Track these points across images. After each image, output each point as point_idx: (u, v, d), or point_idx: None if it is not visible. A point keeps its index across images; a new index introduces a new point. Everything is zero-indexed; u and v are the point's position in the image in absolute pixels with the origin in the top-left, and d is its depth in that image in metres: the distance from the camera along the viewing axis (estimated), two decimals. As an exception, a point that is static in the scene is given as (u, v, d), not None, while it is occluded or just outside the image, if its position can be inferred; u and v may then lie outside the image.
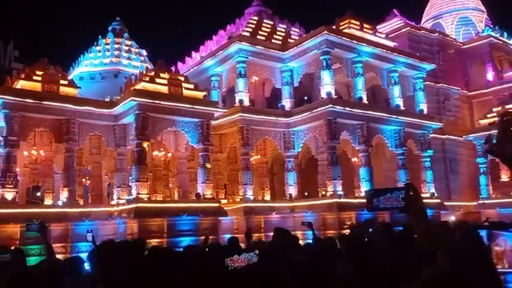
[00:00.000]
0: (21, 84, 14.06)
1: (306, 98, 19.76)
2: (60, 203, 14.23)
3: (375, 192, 2.30)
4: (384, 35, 20.83)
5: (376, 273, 2.42)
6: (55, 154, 15.63)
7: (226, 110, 17.10)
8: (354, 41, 18.06)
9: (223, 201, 16.82)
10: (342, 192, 16.35)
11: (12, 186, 13.17)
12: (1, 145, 13.56)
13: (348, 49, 17.99)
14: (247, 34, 18.73)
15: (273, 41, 19.14)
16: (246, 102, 17.50)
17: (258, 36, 19.01)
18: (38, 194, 14.10)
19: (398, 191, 2.21)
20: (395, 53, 19.56)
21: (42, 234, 5.04)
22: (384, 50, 19.09)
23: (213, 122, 16.11)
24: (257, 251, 3.93)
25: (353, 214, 16.00)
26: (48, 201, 14.61)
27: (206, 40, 20.78)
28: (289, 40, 19.52)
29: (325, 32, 17.16)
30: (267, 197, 18.06)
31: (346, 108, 17.24)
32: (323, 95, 17.17)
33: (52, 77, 14.55)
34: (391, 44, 20.37)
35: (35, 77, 14.22)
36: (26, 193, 14.29)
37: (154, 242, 13.22)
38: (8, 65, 37.15)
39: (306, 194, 18.39)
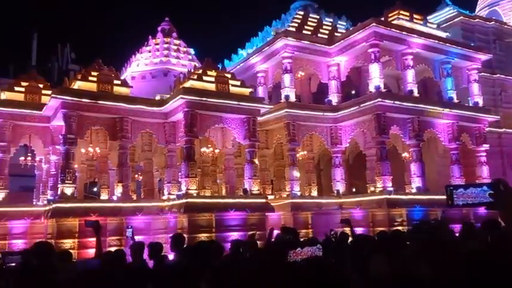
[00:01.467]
0: (78, 84, 14.79)
1: (353, 92, 19.41)
2: (115, 197, 14.87)
3: (455, 187, 2.18)
4: (435, 25, 20.03)
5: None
6: (110, 151, 16.34)
7: (272, 106, 17.13)
8: (403, 33, 17.52)
9: (270, 197, 16.90)
10: (391, 189, 15.95)
11: (71, 182, 13.90)
12: (60, 143, 14.35)
13: (397, 41, 17.47)
14: (293, 29, 18.64)
15: (319, 35, 18.92)
16: (292, 98, 17.44)
17: (304, 31, 18.86)
18: (95, 189, 14.81)
19: (483, 186, 2.09)
20: (447, 44, 18.77)
21: (96, 232, 5.35)
22: (436, 41, 18.37)
23: (259, 118, 16.20)
24: (319, 245, 3.94)
25: (404, 211, 15.58)
26: (104, 196, 15.32)
27: (252, 37, 20.90)
28: (336, 34, 19.22)
29: (374, 24, 16.75)
30: (314, 193, 17.95)
31: (395, 102, 16.77)
32: (371, 88, 16.80)
33: (106, 77, 15.19)
34: (443, 34, 19.55)
35: (90, 78, 14.91)
36: (83, 188, 15.04)
37: (203, 236, 13.56)
38: (66, 66, 39.21)
39: (354, 190, 18.11)
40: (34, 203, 17.06)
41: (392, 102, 16.68)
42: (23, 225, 14.94)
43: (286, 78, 17.53)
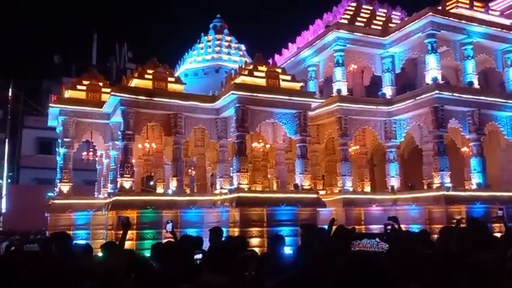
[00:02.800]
0: (134, 82, 15.41)
1: (409, 84, 18.74)
2: (170, 191, 15.38)
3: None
4: (498, 13, 18.83)
5: None
6: (165, 146, 16.91)
7: (323, 101, 16.93)
8: (462, 21, 16.65)
9: (322, 192, 16.76)
10: (450, 185, 15.29)
11: (129, 176, 14.55)
12: (119, 139, 15.05)
13: (456, 30, 16.64)
14: (345, 21, 18.27)
15: (373, 26, 18.41)
16: (344, 92, 17.14)
17: (357, 23, 18.43)
18: (151, 183, 15.37)
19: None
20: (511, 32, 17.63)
21: (124, 228, 5.57)
22: (499, 29, 17.29)
23: (310, 113, 16.08)
24: (378, 238, 3.91)
25: (463, 208, 14.89)
26: (159, 189, 15.90)
27: (303, 31, 20.71)
28: (390, 25, 18.60)
29: (430, 13, 16.05)
30: (367, 189, 17.58)
31: (454, 94, 16.01)
32: (428, 80, 16.14)
33: (161, 75, 15.70)
34: (507, 22, 18.35)
35: (146, 76, 15.48)
36: (140, 182, 15.68)
37: (254, 230, 13.73)
38: (123, 65, 40.91)
39: (410, 185, 17.52)
40: (95, 195, 18.04)
41: (450, 94, 15.95)
42: (86, 216, 15.85)
43: (338, 72, 17.24)
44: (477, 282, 2.47)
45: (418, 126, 17.14)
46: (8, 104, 34.49)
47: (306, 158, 15.52)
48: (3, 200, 29.62)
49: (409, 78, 19.13)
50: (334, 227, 4.87)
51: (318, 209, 15.06)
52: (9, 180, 32.87)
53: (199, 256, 5.00)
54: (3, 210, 28.18)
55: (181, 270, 3.80)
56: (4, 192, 31.02)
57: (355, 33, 17.53)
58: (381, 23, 18.74)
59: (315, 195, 15.31)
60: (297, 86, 15.98)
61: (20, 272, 1.89)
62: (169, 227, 7.13)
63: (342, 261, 1.56)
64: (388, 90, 17.62)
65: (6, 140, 34.09)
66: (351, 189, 16.44)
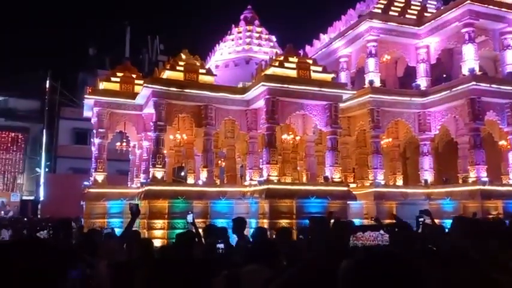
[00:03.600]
0: (166, 74, 15.61)
1: (444, 75, 18.17)
2: (200, 182, 15.57)
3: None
4: (542, -1, 17.93)
5: None
6: (195, 138, 17.10)
7: (355, 92, 16.66)
8: (502, 9, 15.96)
9: (352, 185, 16.56)
10: (486, 179, 14.79)
11: (161, 166, 14.81)
12: (151, 130, 15.32)
13: (495, 19, 15.98)
14: (379, 11, 17.85)
15: (407, 16, 17.93)
16: (377, 83, 16.80)
17: (390, 12, 17.97)
18: (182, 173, 15.61)
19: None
20: (557, 19, 16.75)
21: (133, 215, 5.69)
22: (542, 17, 16.49)
23: (341, 105, 15.86)
24: (382, 231, 3.86)
25: (500, 203, 14.42)
26: (190, 180, 16.09)
27: (334, 21, 20.38)
28: (425, 14, 18.06)
29: (468, 1, 15.46)
30: (399, 182, 17.25)
31: (492, 86, 15.42)
32: (464, 71, 15.60)
33: (192, 66, 15.84)
34: (552, 8, 17.45)
35: (178, 67, 15.65)
36: (172, 173, 15.94)
37: (284, 222, 13.72)
38: (155, 58, 41.50)
39: (444, 179, 17.06)
40: (128, 185, 18.47)
41: (488, 85, 15.36)
42: (120, 205, 16.25)
43: (371, 63, 16.90)
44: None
45: (454, 118, 16.63)
46: (45, 96, 35.70)
47: (336, 151, 15.35)
48: (41, 189, 30.80)
49: (444, 69, 18.55)
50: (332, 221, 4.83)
51: (348, 202, 14.90)
52: (46, 170, 34.12)
53: (221, 246, 5.08)
54: (41, 198, 29.28)
55: (204, 258, 3.85)
56: (42, 181, 32.22)
57: (388, 23, 17.12)
58: (415, 12, 18.22)
59: (345, 188, 15.14)
60: (328, 77, 15.78)
61: (13, 260, 1.97)
62: (189, 217, 7.26)
63: (361, 256, 1.49)
64: (422, 82, 17.16)
65: (44, 130, 35.33)
66: (382, 182, 16.17)
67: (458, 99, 15.68)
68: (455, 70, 17.50)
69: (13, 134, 39.72)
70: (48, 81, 35.11)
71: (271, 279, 2.49)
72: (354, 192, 15.44)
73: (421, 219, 6.07)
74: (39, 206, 28.42)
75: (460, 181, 16.07)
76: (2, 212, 32.70)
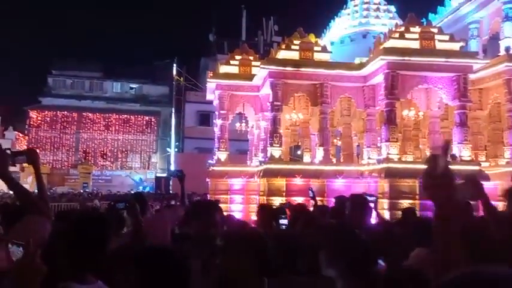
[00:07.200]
0: (282, 54, 15.77)
1: None
2: (316, 161, 15.59)
3: None
4: None
5: None
6: (311, 117, 17.09)
7: (488, 61, 14.94)
8: None
9: (484, 164, 15.04)
10: None
11: (278, 145, 15.16)
12: (268, 110, 15.72)
13: None
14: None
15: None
16: (515, 50, 14.85)
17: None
18: (298, 152, 15.78)
19: None
20: None
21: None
22: None
23: (471, 76, 14.39)
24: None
25: None
26: (306, 159, 16.20)
27: (463, -17, 18.41)
28: None
29: None
30: (543, 161, 15.17)
31: None
32: None
33: (307, 45, 15.74)
34: None
35: (293, 47, 15.69)
36: (288, 151, 16.22)
37: (406, 203, 13.09)
38: (270, 39, 42.22)
39: None
40: (248, 164, 19.32)
41: None
42: (240, 183, 17.12)
43: (507, 27, 14.99)
44: None
45: None
46: (173, 81, 38.86)
47: (465, 126, 14.06)
48: (172, 167, 33.91)
49: None
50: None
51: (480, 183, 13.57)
52: (176, 150, 37.39)
53: (285, 221, 5.16)
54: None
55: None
56: (172, 159, 35.41)
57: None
58: None
59: (476, 167, 13.81)
60: (455, 46, 14.40)
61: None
62: (310, 193, 8.17)
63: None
64: None
65: (173, 113, 38.61)
66: (521, 161, 14.41)
67: None
68: None
69: (147, 117, 44.27)
70: (174, 68, 38.10)
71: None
72: (486, 172, 14.03)
73: None
74: (170, 182, 31.27)
75: None
76: (140, 187, 36.83)
